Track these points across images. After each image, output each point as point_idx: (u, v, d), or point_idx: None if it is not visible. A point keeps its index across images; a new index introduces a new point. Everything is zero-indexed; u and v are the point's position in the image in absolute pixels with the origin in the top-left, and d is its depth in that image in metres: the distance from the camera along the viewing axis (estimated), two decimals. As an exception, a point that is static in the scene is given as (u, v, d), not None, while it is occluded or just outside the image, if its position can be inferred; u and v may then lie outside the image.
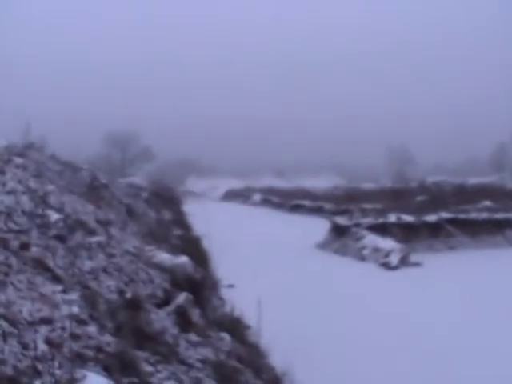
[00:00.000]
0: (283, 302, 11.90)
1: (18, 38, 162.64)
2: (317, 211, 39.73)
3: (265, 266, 17.30)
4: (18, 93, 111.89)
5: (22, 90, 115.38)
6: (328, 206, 38.77)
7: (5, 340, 3.77)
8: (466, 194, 29.75)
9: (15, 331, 4.06)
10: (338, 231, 22.68)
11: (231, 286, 12.87)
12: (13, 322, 4.16)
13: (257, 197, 61.61)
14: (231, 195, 79.50)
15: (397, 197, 29.74)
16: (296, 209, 44.64)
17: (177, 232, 16.99)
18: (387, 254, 18.33)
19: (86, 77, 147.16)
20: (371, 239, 19.92)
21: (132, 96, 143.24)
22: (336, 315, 11.53)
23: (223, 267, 12.03)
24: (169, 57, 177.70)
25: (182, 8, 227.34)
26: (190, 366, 5.58)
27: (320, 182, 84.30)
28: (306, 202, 44.36)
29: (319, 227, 24.85)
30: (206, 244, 14.30)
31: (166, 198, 29.59)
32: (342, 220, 23.58)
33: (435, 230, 22.02)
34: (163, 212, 20.81)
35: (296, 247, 22.12)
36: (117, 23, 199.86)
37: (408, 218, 22.19)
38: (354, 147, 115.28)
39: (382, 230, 21.20)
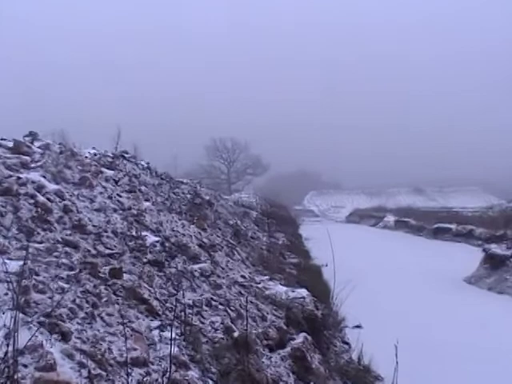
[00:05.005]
0: (421, 351, 11.46)
1: (111, 43, 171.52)
2: (466, 237, 38.69)
3: (400, 305, 16.85)
4: (110, 99, 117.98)
5: (113, 97, 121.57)
6: (480, 230, 37.56)
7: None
8: None
9: (103, 373, 4.13)
10: (494, 262, 21.81)
11: (358, 326, 12.68)
12: (101, 363, 4.23)
13: (390, 218, 60.66)
14: (358, 216, 78.87)
15: None
16: (439, 233, 43.60)
17: (292, 259, 17.00)
18: (558, 293, 17.43)
19: (184, 82, 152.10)
20: (536, 274, 19.03)
21: (239, 101, 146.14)
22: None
23: (349, 304, 11.83)
24: (278, 59, 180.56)
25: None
26: (310, 424, 5.49)
27: (468, 201, 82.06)
28: (452, 226, 43.20)
29: (468, 257, 24.11)
30: (328, 275, 14.14)
31: (280, 219, 29.76)
32: (498, 249, 22.68)
33: None
34: (276, 235, 20.91)
35: (439, 281, 21.51)
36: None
37: None
38: (506, 158, 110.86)
39: (550, 262, 20.18)
